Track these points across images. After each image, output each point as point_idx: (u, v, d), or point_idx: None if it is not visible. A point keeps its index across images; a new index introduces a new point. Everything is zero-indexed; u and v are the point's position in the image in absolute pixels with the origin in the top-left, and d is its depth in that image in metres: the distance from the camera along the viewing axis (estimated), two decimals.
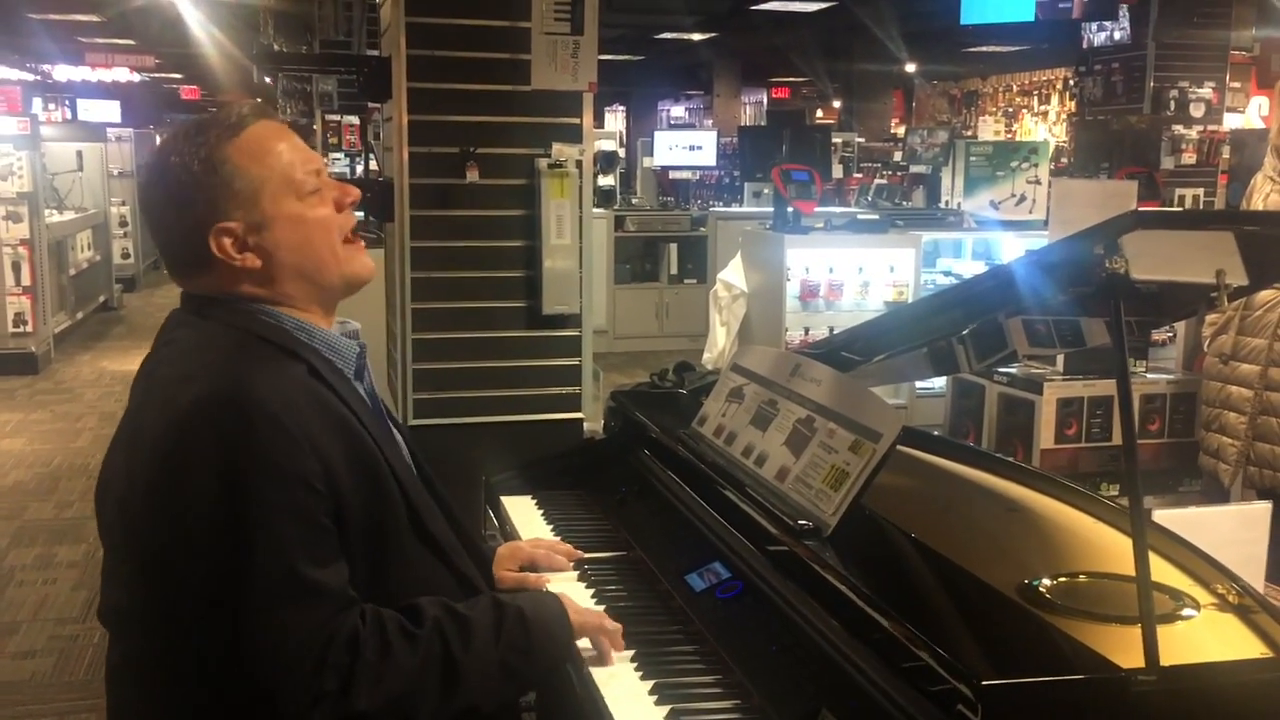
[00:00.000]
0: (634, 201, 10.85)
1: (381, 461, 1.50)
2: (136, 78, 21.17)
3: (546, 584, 1.94)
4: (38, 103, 15.74)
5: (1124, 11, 8.60)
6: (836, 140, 11.27)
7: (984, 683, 1.26)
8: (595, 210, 4.06)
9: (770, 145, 9.49)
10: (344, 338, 1.60)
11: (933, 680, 1.33)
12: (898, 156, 10.82)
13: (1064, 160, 11.31)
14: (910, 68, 17.86)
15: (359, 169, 9.21)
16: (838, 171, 10.43)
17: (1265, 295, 3.86)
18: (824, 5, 13.41)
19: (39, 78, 19.93)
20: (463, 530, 1.72)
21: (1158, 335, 4.63)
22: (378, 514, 1.48)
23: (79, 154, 11.25)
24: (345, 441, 1.45)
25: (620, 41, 16.75)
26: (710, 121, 20.36)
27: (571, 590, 1.94)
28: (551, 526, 2.31)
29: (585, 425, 3.96)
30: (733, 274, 6.41)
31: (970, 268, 6.70)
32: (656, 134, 12.25)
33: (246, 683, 1.36)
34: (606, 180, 9.86)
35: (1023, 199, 7.55)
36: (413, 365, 3.82)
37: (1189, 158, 8.73)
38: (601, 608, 1.88)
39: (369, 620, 1.42)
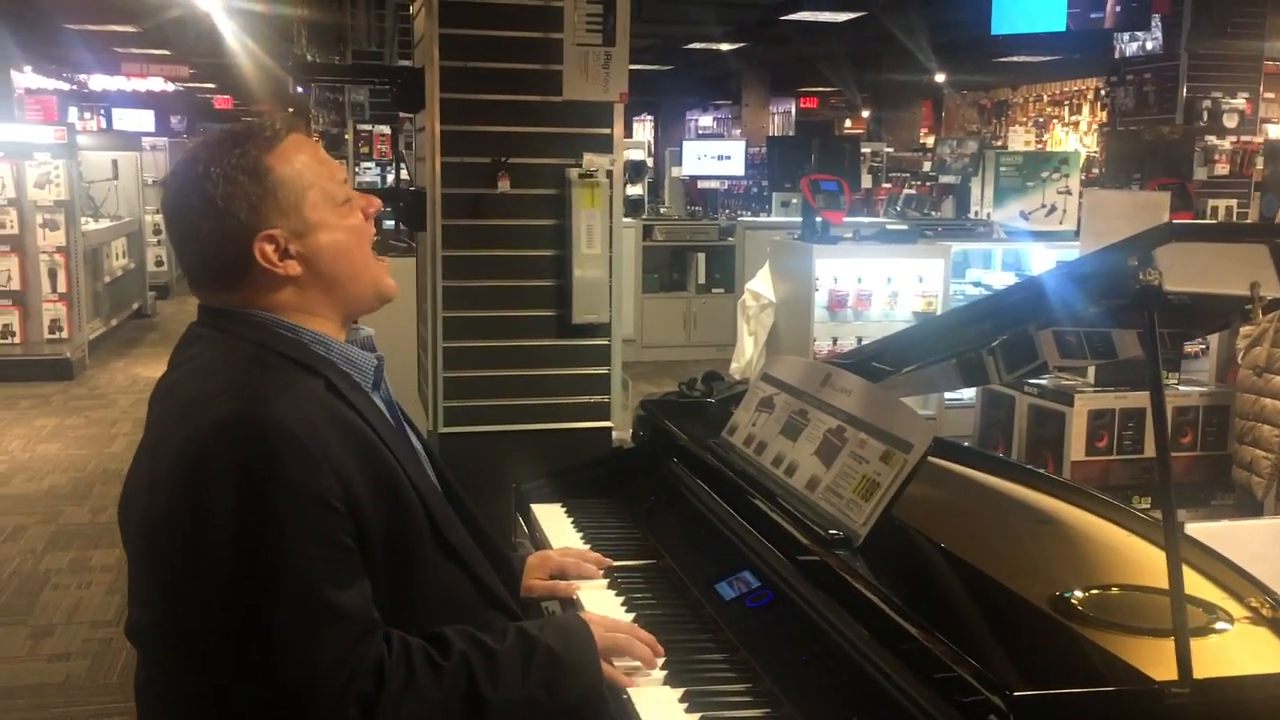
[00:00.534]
0: (662, 211, 10.88)
1: (401, 475, 1.50)
2: (171, 88, 21.41)
3: (577, 591, 1.95)
4: (73, 112, 15.97)
5: (1157, 21, 8.55)
6: (865, 150, 11.26)
7: (1016, 694, 1.26)
8: (624, 220, 4.08)
9: (799, 155, 9.49)
10: (362, 351, 1.59)
11: (964, 691, 1.33)
12: (927, 167, 10.80)
13: (1095, 171, 11.25)
14: (940, 77, 17.81)
15: (390, 178, 9.28)
16: (866, 181, 10.43)
17: None
18: (853, 15, 13.38)
19: (75, 87, 20.18)
20: (486, 539, 1.71)
21: (1190, 348, 4.60)
22: (398, 528, 1.48)
23: (114, 163, 11.38)
24: (364, 458, 1.45)
25: (649, 52, 16.79)
26: (739, 131, 20.36)
27: (601, 598, 1.95)
28: (581, 534, 2.32)
29: (614, 434, 3.98)
30: (760, 284, 6.41)
31: (1000, 278, 6.67)
32: (685, 143, 12.28)
33: (268, 707, 1.36)
34: (635, 190, 9.89)
35: (1053, 209, 7.53)
36: (444, 373, 3.85)
37: (1222, 168, 8.67)
38: (631, 616, 1.88)
39: (395, 648, 1.41)
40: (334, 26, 10.34)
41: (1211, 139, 8.63)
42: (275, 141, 1.52)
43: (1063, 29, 8.00)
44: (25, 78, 16.47)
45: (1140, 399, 4.31)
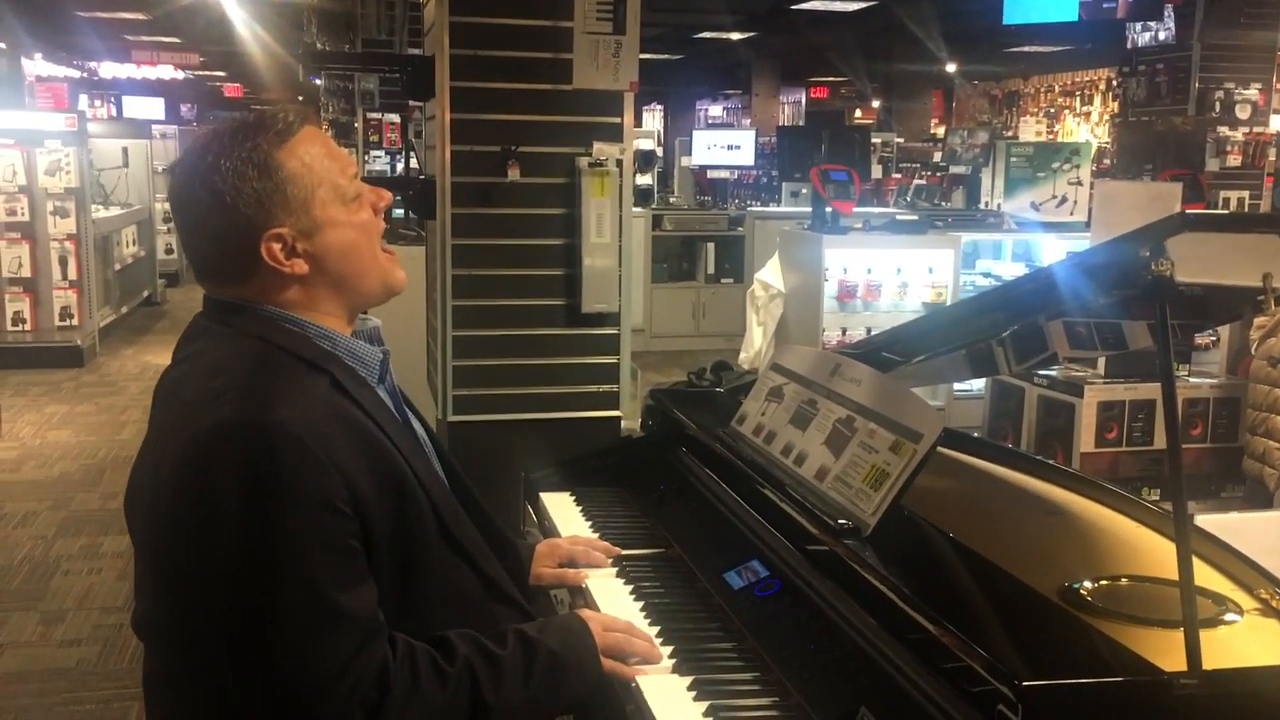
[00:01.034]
0: (671, 201, 10.87)
1: (407, 472, 1.49)
2: (181, 75, 21.43)
3: (586, 580, 1.96)
4: (84, 99, 15.98)
5: (1169, 11, 8.51)
6: (875, 140, 11.24)
7: (1025, 684, 1.26)
8: (633, 209, 4.08)
9: (809, 145, 9.49)
10: (368, 345, 1.58)
11: (973, 681, 1.33)
12: (937, 157, 10.78)
13: (1107, 162, 11.20)
14: (950, 68, 17.74)
15: (399, 167, 9.28)
16: (876, 172, 10.41)
17: None
18: (864, 5, 13.35)
19: (85, 75, 20.21)
20: (492, 529, 1.71)
21: (1201, 339, 4.59)
22: (405, 526, 1.47)
23: (124, 150, 11.41)
24: (370, 456, 1.44)
25: (659, 41, 16.76)
26: (748, 121, 20.33)
27: (610, 587, 1.96)
28: (590, 523, 2.32)
29: (623, 423, 3.98)
30: (770, 274, 6.41)
31: (1010, 269, 6.66)
32: (695, 133, 12.25)
33: (273, 710, 1.36)
34: (644, 179, 9.88)
35: (1064, 200, 7.49)
36: (453, 361, 3.86)
37: (1234, 160, 8.62)
38: (640, 604, 1.89)
39: (400, 653, 1.41)
40: (344, 14, 10.33)
41: (1224, 130, 8.59)
42: (287, 135, 1.50)
43: (1075, 19, 7.97)
44: (36, 65, 16.50)
45: (1150, 390, 4.30)
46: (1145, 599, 1.62)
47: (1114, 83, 13.91)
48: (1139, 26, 8.98)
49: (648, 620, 1.83)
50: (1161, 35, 8.82)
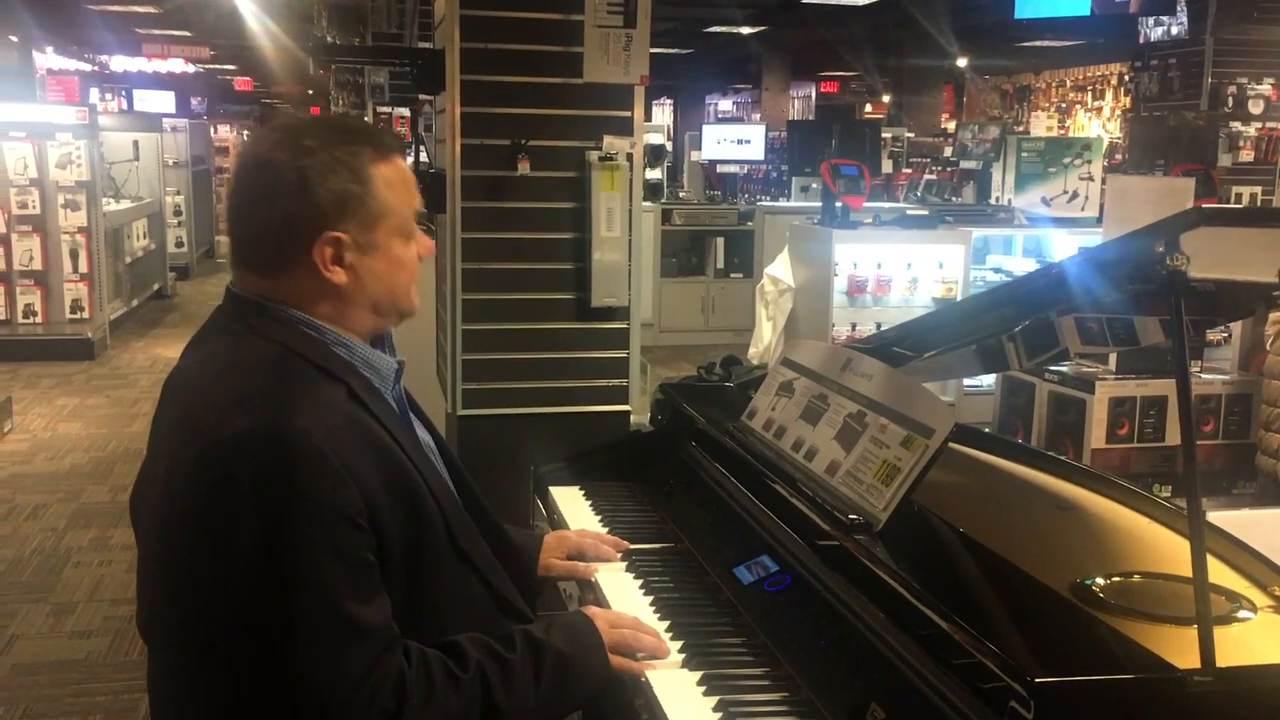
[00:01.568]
0: (681, 195, 10.85)
1: (421, 484, 1.49)
2: (192, 69, 21.46)
3: (596, 574, 1.95)
4: (95, 93, 16.02)
5: (1182, 6, 8.46)
6: (886, 135, 11.18)
7: (1037, 680, 1.25)
8: (643, 204, 4.08)
9: (819, 140, 9.44)
10: (383, 355, 1.58)
11: (985, 678, 1.33)
12: (948, 152, 10.72)
13: (1118, 157, 11.15)
14: (961, 62, 17.68)
15: (409, 160, 9.28)
16: (887, 166, 10.36)
17: None
18: None
19: (96, 68, 20.24)
20: (497, 536, 1.71)
21: (1213, 335, 4.57)
22: (416, 538, 1.48)
23: (135, 144, 11.43)
24: (385, 469, 1.44)
25: (669, 35, 16.72)
26: (758, 115, 20.28)
27: (619, 581, 1.96)
28: (599, 517, 2.32)
29: (632, 418, 3.97)
30: (780, 269, 6.39)
31: (1021, 265, 6.63)
32: (705, 127, 12.22)
33: (281, 715, 1.36)
34: (654, 174, 9.86)
35: (1075, 195, 7.46)
36: (462, 355, 3.85)
37: (1247, 155, 8.58)
38: (649, 599, 1.89)
39: (414, 662, 1.42)
40: (354, 8, 10.33)
41: (1237, 125, 8.54)
42: (387, 155, 1.52)
43: (1087, 13, 7.93)
44: (47, 58, 16.53)
45: (1162, 387, 4.28)
46: (1158, 595, 1.61)
47: (1126, 77, 13.86)
48: (1151, 21, 8.93)
49: (657, 615, 1.83)
50: (1174, 30, 8.77)
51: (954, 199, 8.77)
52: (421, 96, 7.26)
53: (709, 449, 2.35)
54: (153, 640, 1.52)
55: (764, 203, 10.20)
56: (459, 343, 3.85)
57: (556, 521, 2.35)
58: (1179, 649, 1.36)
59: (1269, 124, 8.61)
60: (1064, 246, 6.49)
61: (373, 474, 1.41)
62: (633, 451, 2.64)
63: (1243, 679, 1.34)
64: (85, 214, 8.59)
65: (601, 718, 1.72)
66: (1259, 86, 8.58)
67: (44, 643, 3.91)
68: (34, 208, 8.46)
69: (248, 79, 26.36)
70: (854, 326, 5.96)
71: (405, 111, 9.33)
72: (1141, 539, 1.93)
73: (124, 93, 19.59)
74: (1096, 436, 4.29)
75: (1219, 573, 1.71)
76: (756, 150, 11.28)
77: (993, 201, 8.04)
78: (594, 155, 3.80)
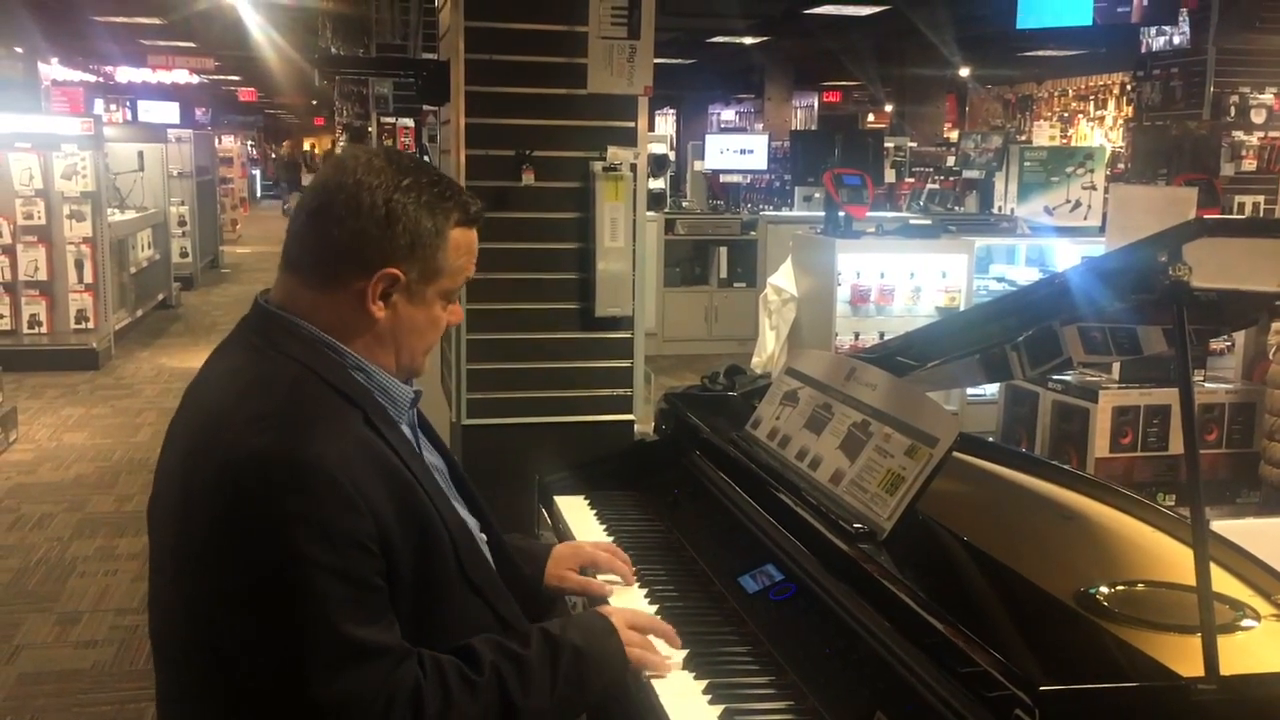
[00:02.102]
0: (684, 205, 10.87)
1: (433, 513, 1.51)
2: (196, 80, 21.53)
3: (610, 594, 1.94)
4: (100, 104, 16.07)
5: (1184, 16, 8.47)
6: (889, 144, 11.20)
7: (1042, 689, 1.26)
8: (646, 213, 4.09)
9: (822, 149, 9.44)
10: (400, 383, 1.60)
11: (989, 686, 1.33)
12: (950, 161, 10.75)
13: (1121, 166, 11.17)
14: (964, 72, 17.72)
15: None
16: (890, 176, 10.37)
17: None
18: (877, 9, 13.34)
19: (101, 79, 20.32)
20: (503, 556, 1.72)
21: (1216, 345, 4.58)
22: (426, 566, 1.49)
23: (140, 154, 11.46)
24: (397, 496, 1.45)
25: (672, 45, 16.78)
26: (761, 125, 20.32)
27: (625, 590, 1.96)
28: (604, 526, 2.33)
29: (636, 427, 3.98)
30: (783, 278, 6.40)
31: (1023, 274, 6.64)
32: (708, 137, 12.25)
33: None
34: (657, 183, 9.88)
35: (1077, 205, 7.48)
36: (467, 365, 3.87)
37: (1249, 164, 8.59)
38: (655, 608, 1.89)
39: (429, 671, 1.43)
40: (359, 19, 10.38)
41: (1239, 134, 8.55)
42: (471, 223, 1.59)
43: (1089, 23, 7.94)
44: (52, 69, 16.61)
45: (1165, 396, 4.28)
46: (1162, 604, 1.61)
47: (1128, 87, 13.87)
48: (1153, 31, 8.94)
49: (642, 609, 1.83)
50: (1176, 39, 8.79)
51: (957, 208, 8.79)
52: (426, 107, 7.30)
53: (713, 458, 2.36)
54: (164, 651, 1.52)
55: (767, 212, 10.22)
56: (464, 352, 3.86)
57: (561, 530, 2.36)
58: (1183, 657, 1.36)
59: (1271, 133, 8.62)
60: (1067, 256, 6.49)
61: (385, 500, 1.43)
62: (637, 461, 2.64)
63: (1246, 687, 1.34)
64: (90, 224, 8.62)
65: None
66: (1261, 96, 8.59)
67: (50, 652, 3.92)
68: (39, 218, 8.48)
69: (252, 90, 26.44)
70: (857, 336, 5.97)
71: (409, 122, 9.37)
72: (1145, 547, 1.94)
73: (129, 103, 19.64)
74: (1100, 445, 4.29)
75: (1223, 581, 1.71)
76: (759, 160, 11.30)
77: (995, 211, 8.05)
78: (598, 166, 3.81)
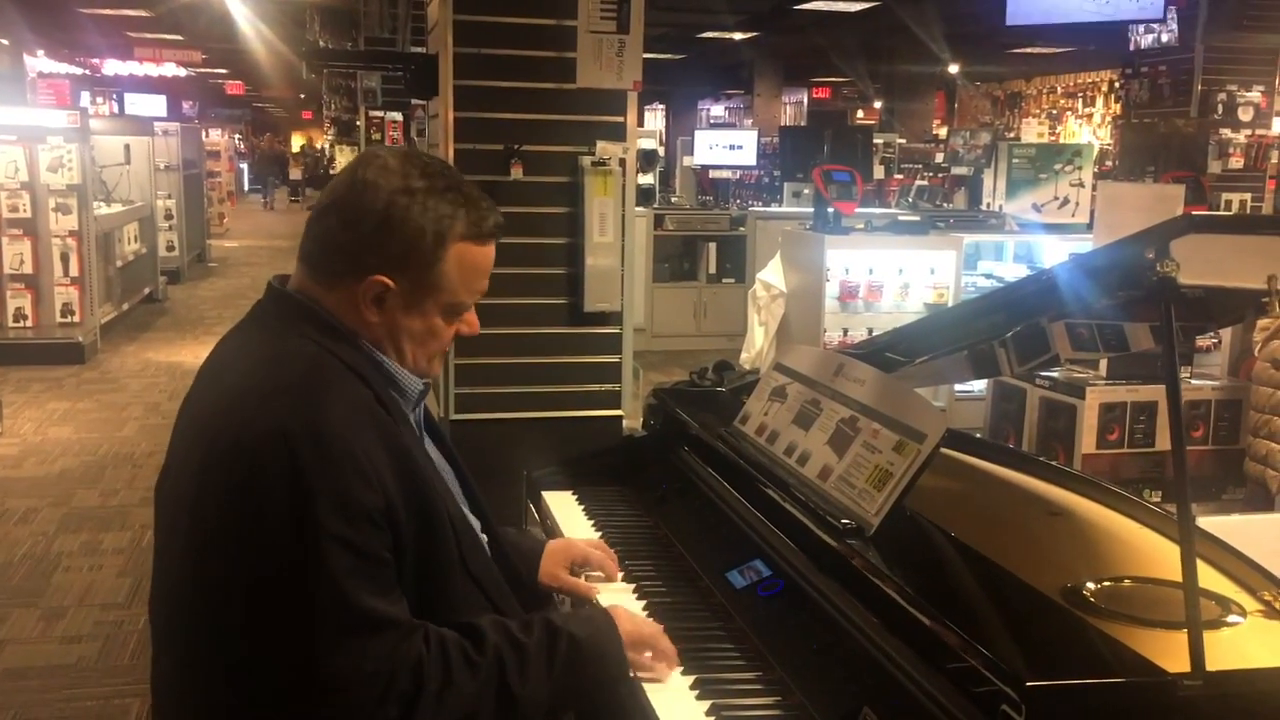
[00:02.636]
0: (673, 200, 10.87)
1: (436, 499, 1.51)
2: (183, 73, 21.44)
3: (598, 594, 1.93)
4: (86, 96, 16.00)
5: (1172, 14, 8.50)
6: (878, 141, 11.23)
7: (1029, 684, 1.26)
8: (635, 209, 4.09)
9: (811, 145, 9.48)
10: (410, 375, 1.60)
11: (976, 681, 1.33)
12: (939, 158, 10.78)
13: (1109, 163, 11.20)
14: (953, 68, 17.75)
15: None
16: (879, 172, 10.40)
17: None
18: (867, 5, 13.35)
19: (87, 72, 20.22)
20: (504, 556, 1.72)
21: (1203, 342, 4.59)
22: (428, 551, 1.49)
23: (126, 147, 11.40)
24: (405, 478, 1.46)
25: (662, 40, 16.77)
26: (750, 121, 20.33)
27: (612, 585, 1.95)
28: (592, 522, 2.32)
29: (624, 422, 3.98)
30: (772, 274, 6.40)
31: (1012, 270, 6.66)
32: (697, 133, 12.26)
33: (306, 706, 1.37)
34: (646, 179, 9.87)
35: (1066, 202, 7.50)
36: (455, 360, 3.86)
37: (1236, 162, 8.63)
38: (642, 603, 1.89)
39: (433, 645, 1.43)
40: (347, 12, 10.35)
41: (1226, 132, 8.59)
42: (476, 238, 1.53)
43: (1078, 20, 7.97)
44: (38, 62, 16.51)
45: (1152, 392, 4.30)
46: (1148, 600, 1.62)
47: (1116, 84, 13.91)
48: (1141, 28, 8.98)
49: (650, 619, 1.83)
50: (1164, 37, 8.82)
51: (945, 205, 8.81)
52: (414, 101, 7.28)
53: (701, 454, 2.35)
54: (166, 627, 1.52)
55: (756, 208, 10.24)
56: (451, 348, 3.85)
57: (550, 526, 2.35)
58: (1169, 653, 1.36)
59: (1258, 131, 8.66)
60: (1055, 252, 6.51)
61: (394, 479, 1.44)
62: (625, 456, 2.64)
63: (1232, 683, 1.34)
64: (76, 217, 8.57)
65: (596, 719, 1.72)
66: (1249, 94, 8.63)
67: (34, 648, 3.90)
68: (25, 211, 8.43)
69: (239, 83, 26.34)
70: (846, 332, 5.97)
71: (398, 116, 9.34)
72: (1132, 544, 1.94)
73: (115, 96, 19.57)
74: (1087, 442, 4.31)
75: (1209, 577, 1.71)
76: (749, 156, 11.32)
77: (984, 207, 8.08)
78: (587, 160, 3.81)
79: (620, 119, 3.87)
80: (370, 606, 1.38)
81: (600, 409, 3.98)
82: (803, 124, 21.32)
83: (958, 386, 5.85)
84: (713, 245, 9.62)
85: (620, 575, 2.00)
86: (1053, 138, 15.78)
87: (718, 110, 26.04)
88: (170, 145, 13.03)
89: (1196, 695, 1.30)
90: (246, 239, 17.67)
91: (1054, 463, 2.45)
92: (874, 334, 4.58)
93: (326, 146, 20.44)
